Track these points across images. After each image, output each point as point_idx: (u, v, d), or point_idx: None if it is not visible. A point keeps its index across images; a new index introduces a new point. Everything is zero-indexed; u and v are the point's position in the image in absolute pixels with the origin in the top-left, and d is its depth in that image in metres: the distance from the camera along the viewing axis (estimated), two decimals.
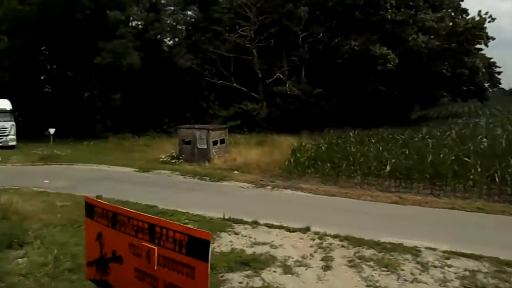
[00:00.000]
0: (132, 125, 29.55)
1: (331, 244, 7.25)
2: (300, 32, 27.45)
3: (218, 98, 30.84)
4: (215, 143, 17.25)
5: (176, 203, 10.08)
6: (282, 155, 16.79)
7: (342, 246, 7.13)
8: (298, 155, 15.44)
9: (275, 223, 8.38)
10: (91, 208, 4.62)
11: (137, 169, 16.21)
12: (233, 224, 8.44)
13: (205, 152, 16.83)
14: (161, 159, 17.86)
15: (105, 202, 4.45)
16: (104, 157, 20.00)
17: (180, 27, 31.73)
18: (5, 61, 27.34)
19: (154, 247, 3.59)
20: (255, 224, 8.43)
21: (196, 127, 18.17)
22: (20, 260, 6.15)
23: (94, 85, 31.12)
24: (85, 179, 14.15)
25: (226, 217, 8.79)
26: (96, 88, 31.22)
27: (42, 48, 32.35)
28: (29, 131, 27.34)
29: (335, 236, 7.59)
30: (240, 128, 26.76)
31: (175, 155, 17.75)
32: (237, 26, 27.73)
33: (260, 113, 28.65)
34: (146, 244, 3.68)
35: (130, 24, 31.66)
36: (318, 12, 29.28)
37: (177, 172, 15.24)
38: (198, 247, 3.26)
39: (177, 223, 3.63)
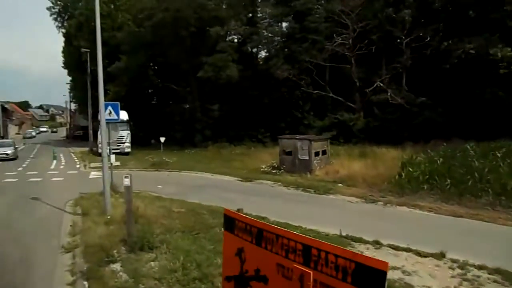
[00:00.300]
0: (229, 134, 30.75)
1: (478, 276, 6.15)
2: (403, 37, 25.55)
3: (313, 108, 30.37)
4: (316, 154, 16.74)
5: (285, 215, 9.75)
6: (388, 168, 15.56)
7: (495, 281, 5.97)
8: (410, 169, 14.06)
9: (401, 245, 7.50)
10: (231, 222, 4.45)
11: (239, 178, 16.53)
12: (352, 242, 7.78)
13: (307, 163, 16.42)
14: (261, 169, 17.96)
15: (247, 216, 4.25)
16: (206, 165, 20.97)
17: (276, 39, 32.19)
18: (124, 77, 31.00)
19: (310, 271, 3.20)
20: (377, 244, 7.66)
21: (297, 137, 17.88)
22: (152, 264, 6.39)
23: (195, 97, 33.24)
24: (193, 186, 14.87)
25: (343, 234, 8.18)
26: (197, 100, 33.30)
27: (151, 64, 35.80)
28: (138, 139, 30.33)
29: (480, 267, 6.44)
30: (335, 139, 25.77)
31: (276, 165, 17.68)
32: (335, 35, 26.94)
33: (357, 123, 27.30)
34: (299, 267, 3.30)
35: (228, 38, 33.21)
36: (423, 15, 26.95)
37: (279, 183, 15.09)
38: (370, 277, 2.75)
39: (338, 246, 3.19)
